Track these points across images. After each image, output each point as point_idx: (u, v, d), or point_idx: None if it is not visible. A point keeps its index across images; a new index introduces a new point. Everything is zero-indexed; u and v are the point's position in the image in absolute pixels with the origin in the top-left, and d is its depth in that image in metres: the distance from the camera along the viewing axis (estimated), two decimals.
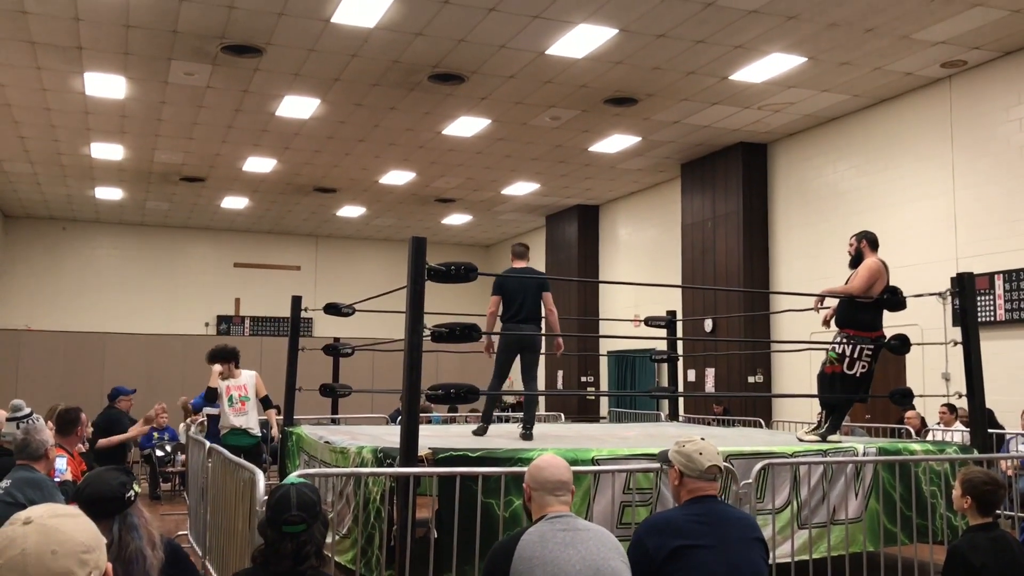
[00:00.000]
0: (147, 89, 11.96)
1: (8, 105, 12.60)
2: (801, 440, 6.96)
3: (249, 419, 8.29)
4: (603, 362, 18.42)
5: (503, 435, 7.47)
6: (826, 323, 7.32)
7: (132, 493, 2.70)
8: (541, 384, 16.70)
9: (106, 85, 11.74)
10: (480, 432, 7.39)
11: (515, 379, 8.09)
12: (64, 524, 1.61)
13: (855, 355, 6.80)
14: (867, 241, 7.18)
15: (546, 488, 3.08)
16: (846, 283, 7.15)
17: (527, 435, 7.09)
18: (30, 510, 1.63)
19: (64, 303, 20.40)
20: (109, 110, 12.80)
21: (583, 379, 18.76)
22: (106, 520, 2.60)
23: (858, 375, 6.84)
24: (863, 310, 6.91)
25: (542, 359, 7.88)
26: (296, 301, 8.93)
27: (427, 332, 5.74)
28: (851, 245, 7.30)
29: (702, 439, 3.47)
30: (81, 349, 15.57)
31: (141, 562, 2.59)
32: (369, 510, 5.78)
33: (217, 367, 8.28)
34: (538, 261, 20.94)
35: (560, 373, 19.16)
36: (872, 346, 6.87)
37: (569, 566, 2.84)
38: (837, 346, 6.90)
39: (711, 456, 3.37)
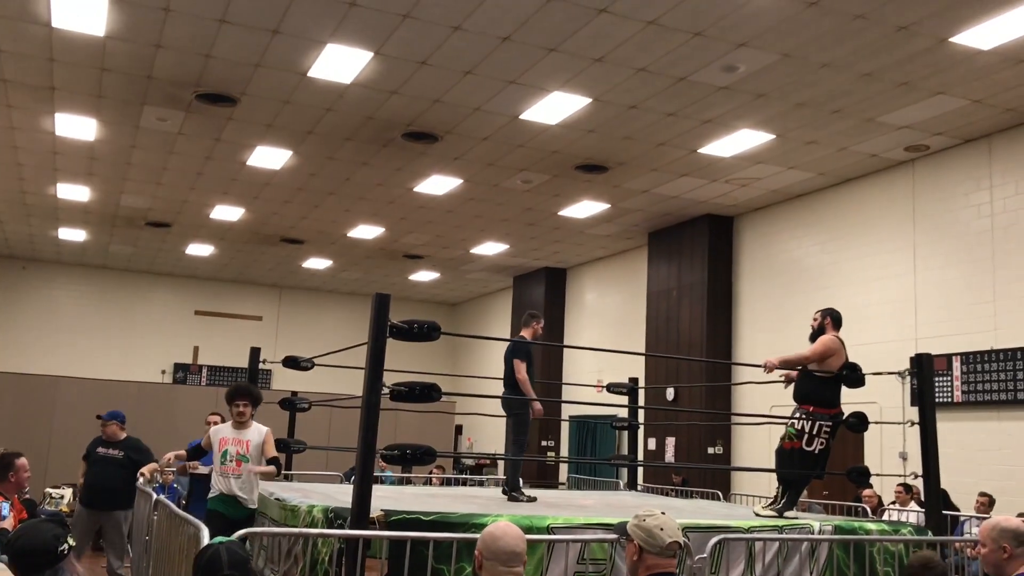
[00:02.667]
0: (118, 133, 11.91)
1: None
2: (758, 515, 6.92)
3: (244, 484, 6.74)
4: (564, 427, 18.32)
5: (476, 497, 7.49)
6: (789, 382, 7.31)
7: (65, 547, 2.62)
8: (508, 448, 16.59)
9: (77, 126, 11.67)
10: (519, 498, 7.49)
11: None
12: None
13: (814, 432, 6.82)
14: (831, 319, 7.26)
15: (499, 559, 3.00)
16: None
17: (512, 497, 7.49)
18: None
19: (19, 343, 19.98)
20: (78, 151, 12.72)
21: (543, 443, 18.63)
22: (36, 574, 2.52)
23: (816, 451, 6.84)
24: (823, 387, 6.95)
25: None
26: (255, 352, 8.81)
27: (386, 390, 5.67)
28: (815, 320, 7.35)
29: (662, 513, 3.35)
30: (32, 392, 15.20)
31: None
32: (317, 572, 5.63)
33: (213, 417, 7.65)
34: (504, 323, 20.93)
35: None
36: (831, 423, 6.89)
37: None
38: (796, 422, 6.91)
39: (672, 532, 3.27)
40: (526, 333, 7.77)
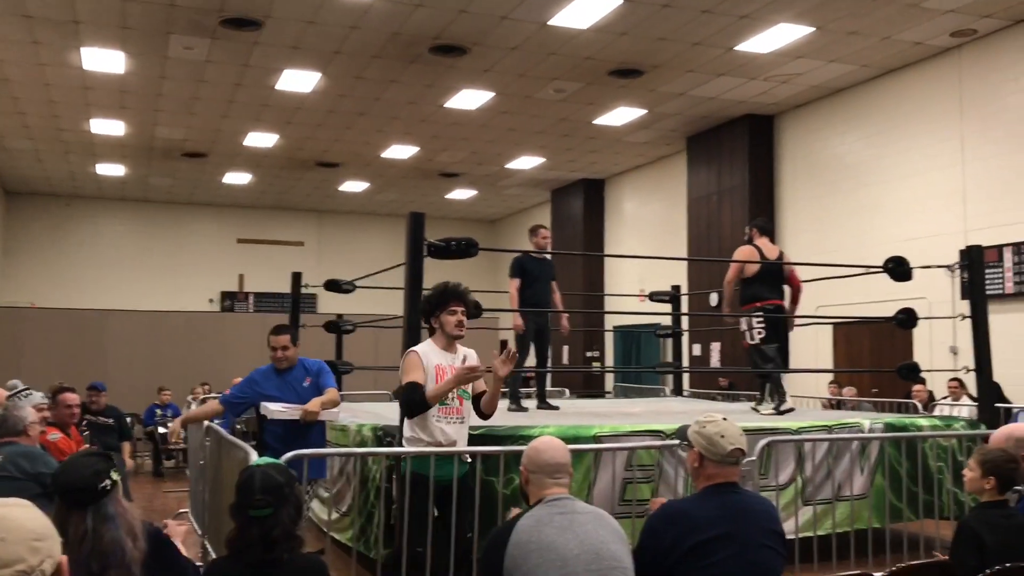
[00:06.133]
0: (146, 64, 11.84)
1: (6, 80, 12.48)
2: (757, 411, 7.44)
3: (463, 430, 4.79)
4: (608, 337, 18.34)
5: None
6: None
7: (107, 483, 2.56)
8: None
9: (104, 60, 11.61)
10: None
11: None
12: (12, 513, 1.61)
13: (749, 327, 7.48)
14: (757, 228, 7.81)
15: (544, 471, 2.99)
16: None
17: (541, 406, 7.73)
18: None
19: (67, 280, 20.35)
20: (108, 85, 12.68)
21: (588, 354, 18.70)
22: (79, 510, 2.51)
23: (759, 340, 7.44)
24: (747, 287, 7.54)
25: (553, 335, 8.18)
26: (296, 277, 8.85)
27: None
28: (744, 234, 7.99)
29: (724, 419, 3.25)
30: (83, 327, 15.52)
31: (119, 554, 2.47)
32: (368, 488, 5.73)
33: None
34: None
35: (566, 348, 19.09)
36: (760, 315, 7.40)
37: (567, 550, 2.76)
38: (741, 323, 7.58)
39: (734, 438, 3.15)
40: (531, 247, 7.75)
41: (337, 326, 9.06)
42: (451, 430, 4.62)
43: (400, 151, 16.47)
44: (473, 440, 5.43)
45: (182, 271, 21.40)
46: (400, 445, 4.91)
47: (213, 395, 11.54)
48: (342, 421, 6.48)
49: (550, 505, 2.90)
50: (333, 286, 8.56)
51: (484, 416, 4.76)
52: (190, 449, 8.18)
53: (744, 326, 7.54)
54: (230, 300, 21.61)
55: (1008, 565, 3.40)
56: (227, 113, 14.12)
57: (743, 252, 7.61)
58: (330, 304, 18.29)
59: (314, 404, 5.46)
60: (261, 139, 15.60)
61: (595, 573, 2.74)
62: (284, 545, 2.63)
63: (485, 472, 5.16)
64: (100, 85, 12.68)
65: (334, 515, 6.24)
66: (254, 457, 4.16)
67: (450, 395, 4.54)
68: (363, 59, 11.68)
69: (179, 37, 10.86)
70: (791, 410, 7.36)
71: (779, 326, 7.53)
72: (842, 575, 3.29)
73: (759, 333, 7.42)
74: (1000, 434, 3.96)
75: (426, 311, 4.75)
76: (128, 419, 9.28)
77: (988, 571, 3.37)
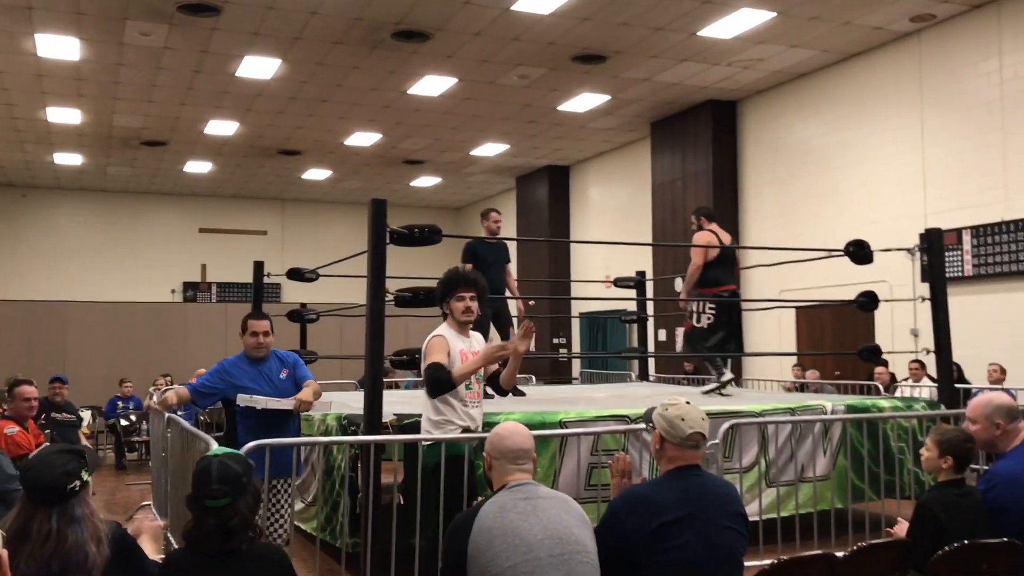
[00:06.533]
0: (102, 50, 11.62)
1: None
2: (705, 393, 7.67)
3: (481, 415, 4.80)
4: (575, 324, 18.38)
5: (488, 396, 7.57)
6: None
7: (76, 484, 2.49)
8: None
9: (59, 46, 11.38)
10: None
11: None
12: None
13: (701, 309, 7.69)
14: (704, 216, 7.99)
15: (507, 457, 2.97)
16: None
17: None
18: None
19: (25, 272, 19.96)
20: (63, 72, 12.43)
21: (555, 340, 18.72)
22: (45, 508, 2.45)
23: (706, 326, 7.66)
24: (706, 271, 7.73)
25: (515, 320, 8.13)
26: (258, 267, 8.76)
27: (390, 297, 5.63)
28: (692, 223, 8.10)
29: (687, 403, 3.27)
30: (41, 319, 15.27)
31: (81, 558, 2.43)
32: (334, 477, 5.70)
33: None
34: (508, 224, 20.80)
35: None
36: (714, 300, 7.61)
37: (531, 535, 2.75)
38: (691, 305, 7.80)
39: (694, 422, 3.17)
40: (482, 233, 7.70)
41: (300, 315, 8.98)
42: (476, 413, 4.66)
43: (363, 138, 16.35)
44: None
45: (143, 261, 21.10)
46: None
47: (174, 386, 11.41)
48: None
49: (513, 491, 2.89)
50: (296, 275, 8.48)
51: (502, 393, 5.03)
52: (152, 441, 8.09)
53: (694, 308, 7.74)
54: (192, 290, 21.36)
55: (965, 542, 3.44)
56: (186, 100, 13.92)
57: (703, 237, 7.75)
58: (294, 293, 18.17)
59: (307, 394, 5.13)
60: (221, 127, 15.40)
61: (558, 558, 2.73)
62: (242, 535, 2.59)
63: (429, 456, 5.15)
64: (55, 72, 12.43)
65: (299, 505, 6.20)
66: (214, 446, 4.11)
67: (472, 377, 4.57)
68: (324, 45, 11.55)
69: (135, 23, 10.67)
70: (729, 393, 7.74)
71: (732, 312, 7.77)
72: (804, 555, 3.30)
73: (708, 319, 7.65)
74: (979, 401, 3.98)
75: (438, 298, 4.78)
76: (87, 412, 9.17)
77: (946, 548, 3.41)
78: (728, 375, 7.76)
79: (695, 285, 7.78)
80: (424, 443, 4.60)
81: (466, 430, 4.57)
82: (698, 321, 7.72)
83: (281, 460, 4.84)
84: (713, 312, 7.61)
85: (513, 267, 8.10)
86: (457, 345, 4.56)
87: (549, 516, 2.81)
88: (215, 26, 10.80)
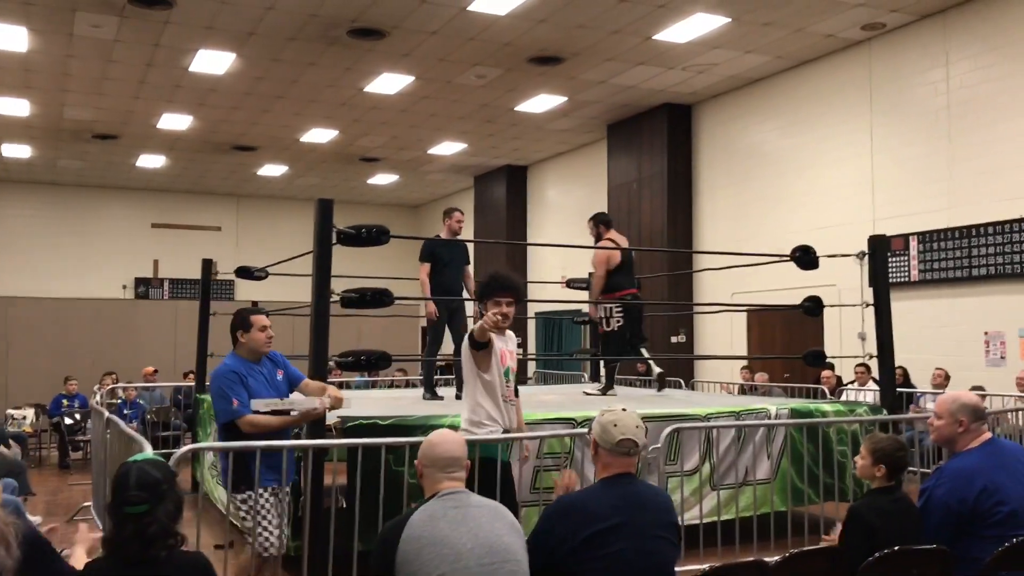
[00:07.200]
0: (51, 42, 11.39)
1: None
2: (587, 394, 8.11)
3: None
4: (531, 324, 18.40)
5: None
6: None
7: None
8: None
9: (6, 36, 11.12)
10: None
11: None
12: None
13: (608, 315, 7.98)
14: (603, 224, 8.19)
15: (437, 465, 2.95)
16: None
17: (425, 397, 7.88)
18: None
19: None
20: (11, 63, 12.17)
21: None
22: None
23: (615, 330, 7.98)
24: (610, 278, 8.01)
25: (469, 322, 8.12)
26: (207, 264, 8.65)
27: (337, 297, 5.58)
28: (591, 230, 8.25)
29: (623, 409, 3.29)
30: None
31: None
32: None
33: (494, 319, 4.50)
34: (467, 222, 20.75)
35: None
36: (620, 304, 7.92)
37: (460, 544, 2.74)
38: (600, 311, 8.05)
39: (626, 429, 3.17)
40: (442, 232, 7.66)
41: None
42: (512, 414, 4.72)
43: (319, 135, 16.22)
44: (382, 431, 5.39)
45: (93, 257, 20.72)
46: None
47: (121, 385, 11.25)
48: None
49: (444, 499, 2.88)
50: (245, 273, 8.39)
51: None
52: (93, 442, 7.95)
53: (603, 313, 8.03)
54: (144, 286, 21.03)
55: (896, 549, 3.49)
56: (139, 94, 13.70)
57: (603, 251, 8.03)
58: (249, 291, 17.96)
59: (335, 391, 4.73)
60: (175, 121, 15.18)
61: (488, 567, 2.73)
62: (161, 542, 2.55)
63: (395, 463, 5.13)
64: (2, 62, 12.16)
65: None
66: (148, 450, 4.04)
67: (508, 378, 4.67)
68: (279, 41, 11.44)
69: (85, 14, 10.47)
70: (614, 395, 8.06)
71: (635, 314, 8.09)
72: (736, 561, 3.33)
73: (617, 322, 7.98)
74: (947, 398, 4.03)
75: (476, 298, 4.86)
76: (30, 410, 8.98)
77: (877, 554, 3.46)
78: (657, 369, 8.23)
79: (605, 292, 8.07)
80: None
81: (506, 431, 4.62)
82: (608, 326, 8.02)
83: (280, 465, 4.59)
84: (621, 315, 7.95)
85: (471, 267, 8.06)
86: (497, 344, 4.59)
87: (479, 525, 2.80)
88: (167, 19, 10.64)
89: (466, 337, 4.59)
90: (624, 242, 8.23)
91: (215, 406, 4.64)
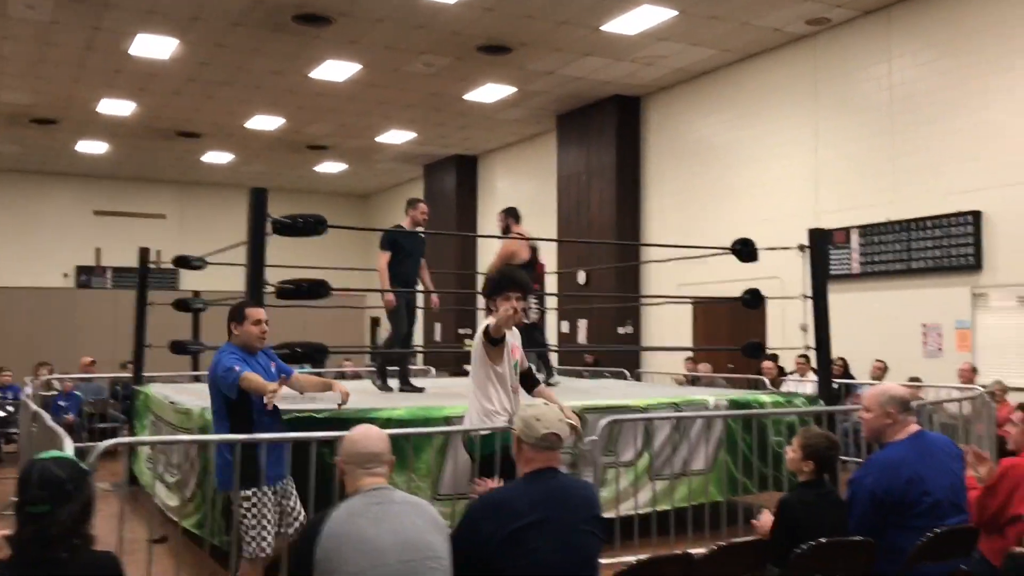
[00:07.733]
0: None
1: None
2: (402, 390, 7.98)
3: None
4: (480, 316, 18.33)
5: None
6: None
7: None
8: (418, 337, 16.61)
9: None
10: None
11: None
12: None
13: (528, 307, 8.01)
14: (511, 218, 8.25)
15: (357, 462, 2.90)
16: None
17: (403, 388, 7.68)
18: None
19: None
20: None
21: (460, 331, 18.66)
22: None
23: (537, 320, 8.22)
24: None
25: (419, 313, 8.14)
26: (144, 253, 8.46)
27: (271, 289, 5.49)
28: (500, 221, 8.33)
29: (545, 404, 3.28)
30: None
31: None
32: (211, 474, 5.53)
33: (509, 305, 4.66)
34: None
35: (438, 326, 19.02)
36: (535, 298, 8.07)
37: (380, 541, 2.69)
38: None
39: (549, 423, 3.14)
40: (405, 222, 7.56)
41: (187, 304, 8.72)
42: (517, 403, 4.77)
43: (265, 122, 15.99)
44: (319, 423, 5.31)
45: (33, 244, 20.22)
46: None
47: (56, 376, 10.99)
48: (185, 404, 6.24)
49: (366, 496, 2.83)
50: (183, 262, 8.22)
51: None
52: (21, 436, 7.75)
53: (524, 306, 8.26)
54: (86, 275, 20.59)
55: (823, 540, 3.53)
56: (78, 78, 13.38)
57: (507, 244, 8.03)
58: (193, 281, 17.70)
59: (342, 386, 4.76)
60: (116, 106, 14.86)
61: (408, 564, 2.69)
62: (63, 544, 2.46)
63: (330, 455, 5.05)
64: None
65: (178, 502, 6.02)
66: (69, 445, 3.94)
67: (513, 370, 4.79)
68: (223, 26, 11.23)
69: None
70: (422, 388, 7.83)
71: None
72: (662, 555, 3.33)
73: (536, 314, 8.20)
74: (876, 390, 4.05)
75: (486, 294, 4.90)
76: None
77: (804, 546, 3.49)
78: (555, 378, 8.38)
79: None
80: (481, 433, 4.76)
81: (509, 420, 4.65)
82: (527, 318, 7.99)
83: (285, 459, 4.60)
84: (537, 306, 8.08)
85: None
86: (508, 338, 4.75)
87: (401, 522, 2.76)
88: (107, 2, 10.39)
89: (480, 333, 4.74)
90: (525, 242, 8.09)
91: (220, 382, 4.42)
